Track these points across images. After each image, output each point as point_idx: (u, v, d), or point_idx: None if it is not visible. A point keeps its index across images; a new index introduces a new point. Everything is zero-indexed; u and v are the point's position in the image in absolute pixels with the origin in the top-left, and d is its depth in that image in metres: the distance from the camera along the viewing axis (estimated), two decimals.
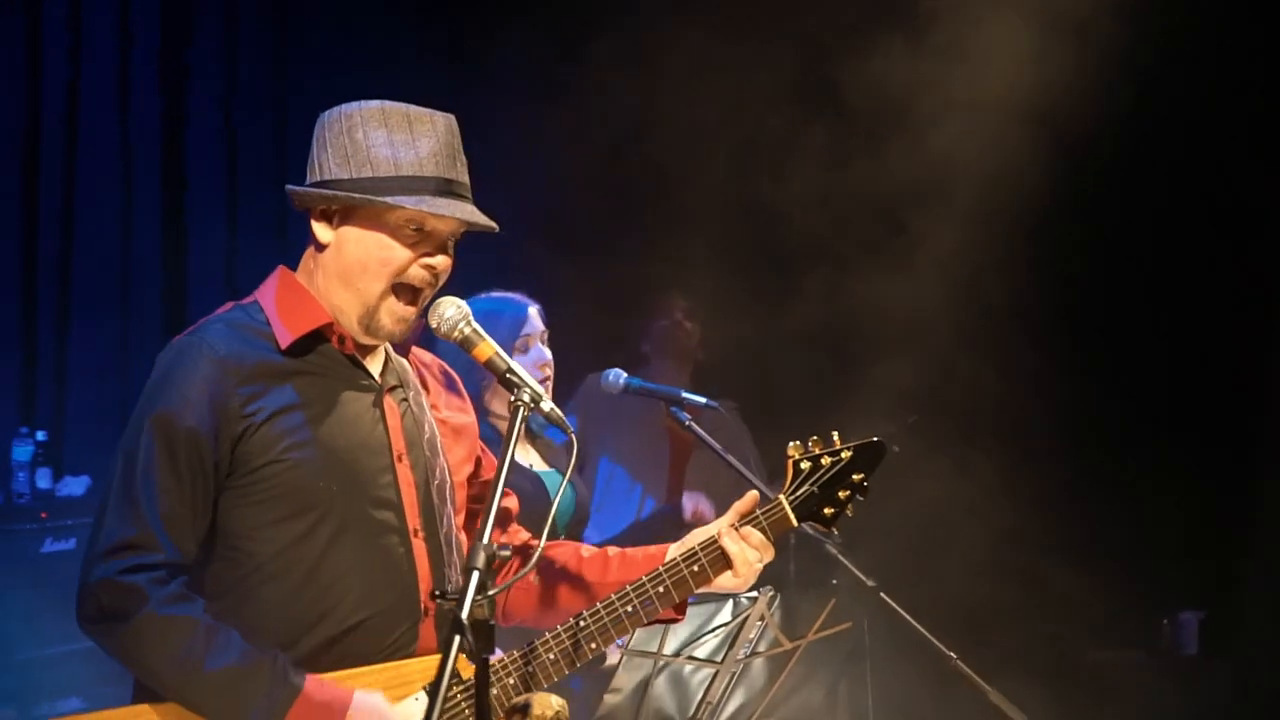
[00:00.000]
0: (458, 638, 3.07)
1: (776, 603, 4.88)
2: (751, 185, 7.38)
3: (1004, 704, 5.09)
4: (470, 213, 3.61)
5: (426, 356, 3.90)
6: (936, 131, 6.76)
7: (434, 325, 3.60)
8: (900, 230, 7.04)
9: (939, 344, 6.89)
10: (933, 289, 6.87)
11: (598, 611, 3.69)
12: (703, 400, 5.60)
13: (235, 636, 3.47)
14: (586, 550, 3.96)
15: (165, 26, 7.67)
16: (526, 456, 5.72)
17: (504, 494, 3.87)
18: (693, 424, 5.51)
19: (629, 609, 3.70)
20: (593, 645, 3.68)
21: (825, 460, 3.78)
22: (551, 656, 3.65)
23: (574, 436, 3.50)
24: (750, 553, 3.76)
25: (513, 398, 3.48)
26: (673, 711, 4.94)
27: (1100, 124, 7.16)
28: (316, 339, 3.64)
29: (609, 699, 4.81)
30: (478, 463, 3.95)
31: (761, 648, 4.95)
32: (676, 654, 4.80)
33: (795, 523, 3.77)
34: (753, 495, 3.82)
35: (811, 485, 3.77)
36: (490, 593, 3.15)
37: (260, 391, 3.54)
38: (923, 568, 6.63)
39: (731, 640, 4.86)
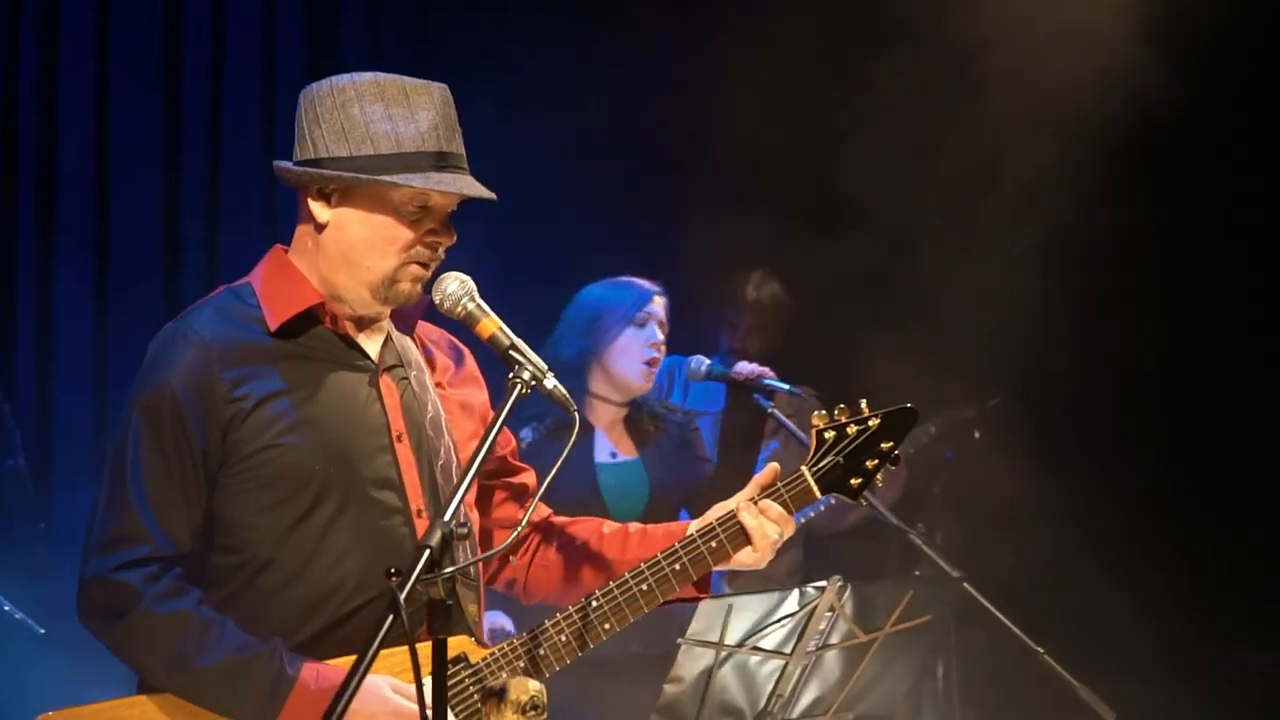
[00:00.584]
0: (390, 617, 3.01)
1: (847, 593, 4.73)
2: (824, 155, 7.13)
3: (1092, 700, 4.91)
4: (472, 186, 3.51)
5: (434, 332, 3.81)
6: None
7: (437, 300, 3.51)
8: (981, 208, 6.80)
9: (1025, 325, 6.64)
10: (1023, 273, 6.65)
11: (610, 590, 3.60)
12: (786, 386, 5.45)
13: (230, 629, 3.41)
14: (609, 527, 3.86)
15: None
16: (610, 444, 5.67)
17: (522, 470, 3.80)
18: (775, 410, 5.41)
19: (644, 587, 3.60)
20: (606, 626, 3.59)
21: (851, 429, 3.67)
22: (563, 639, 3.57)
23: (577, 416, 3.39)
24: (769, 526, 3.65)
25: (510, 374, 3.39)
26: (741, 703, 4.79)
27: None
28: (307, 320, 3.55)
29: (669, 689, 4.67)
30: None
31: (834, 639, 4.79)
32: (740, 644, 4.65)
33: (819, 494, 3.67)
34: (773, 468, 3.71)
35: (836, 455, 3.66)
36: (445, 571, 3.06)
37: (248, 376, 3.47)
38: (1012, 558, 6.44)
39: (800, 631, 4.70)
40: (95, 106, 6.88)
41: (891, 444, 3.66)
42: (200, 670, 3.38)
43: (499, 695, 3.40)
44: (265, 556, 3.47)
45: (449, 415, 3.67)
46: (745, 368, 5.76)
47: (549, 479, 3.39)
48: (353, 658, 3.38)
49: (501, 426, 3.33)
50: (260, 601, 3.46)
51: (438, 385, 3.72)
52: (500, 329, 3.44)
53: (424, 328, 3.79)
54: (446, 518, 3.13)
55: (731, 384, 5.71)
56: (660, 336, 5.75)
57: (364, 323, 3.62)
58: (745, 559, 3.67)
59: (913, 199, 6.79)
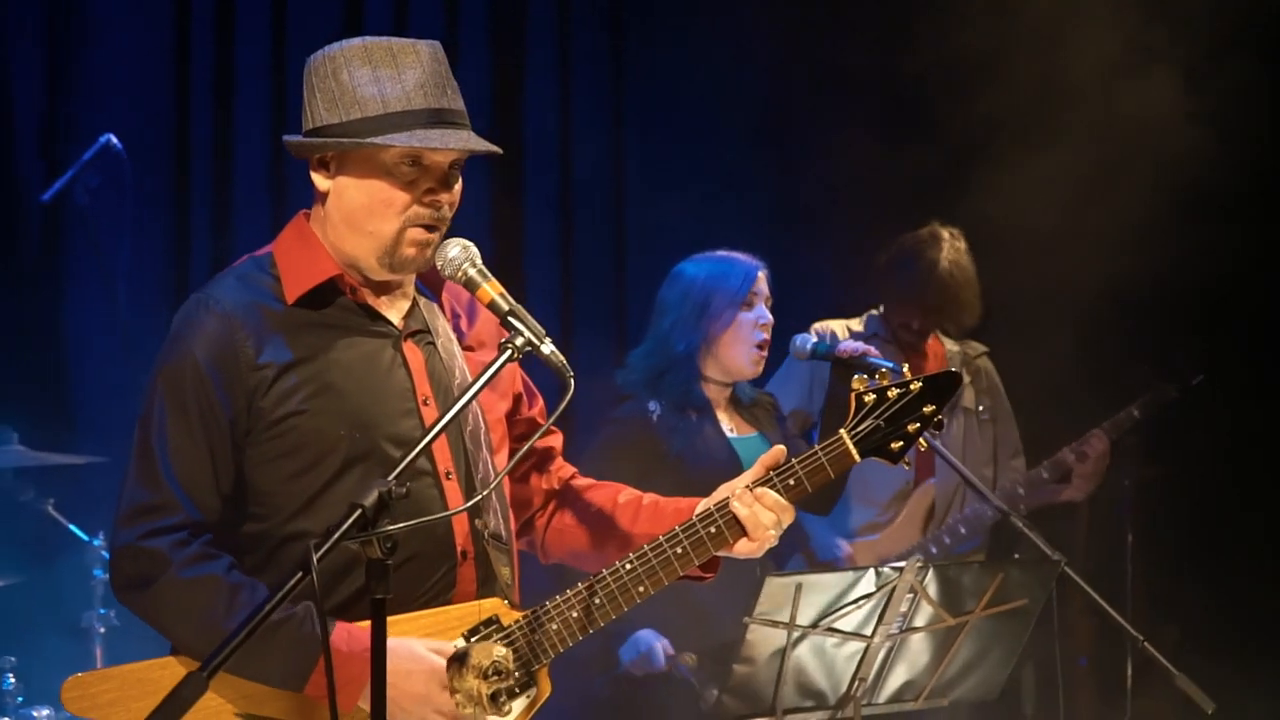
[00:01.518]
0: (299, 574, 3.02)
1: (929, 574, 4.61)
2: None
3: (1192, 690, 4.73)
4: (464, 140, 3.45)
5: (464, 294, 3.72)
6: None
7: (439, 265, 3.47)
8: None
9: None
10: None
11: (604, 578, 3.54)
12: (890, 364, 5.30)
13: (261, 591, 3.39)
14: (624, 495, 3.81)
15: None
16: (726, 422, 5.62)
17: (551, 432, 3.76)
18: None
19: (646, 568, 3.53)
20: (605, 611, 3.53)
21: (892, 393, 3.57)
22: (554, 626, 3.52)
23: (572, 382, 3.31)
24: (764, 515, 3.54)
25: (504, 339, 3.34)
26: (822, 686, 4.69)
27: None
28: (328, 290, 3.53)
29: (739, 669, 4.59)
30: (518, 399, 3.81)
31: (918, 622, 4.67)
32: (813, 625, 4.55)
33: (857, 458, 3.55)
34: (779, 450, 3.60)
35: (876, 419, 3.55)
36: (378, 531, 3.03)
37: (271, 344, 3.45)
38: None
39: (880, 613, 4.59)
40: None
41: (934, 407, 3.55)
42: (227, 633, 3.32)
43: (460, 660, 3.37)
44: (294, 523, 3.45)
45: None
46: (849, 345, 5.61)
47: (549, 423, 3.42)
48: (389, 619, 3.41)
49: (482, 387, 3.30)
50: (292, 568, 3.42)
51: (466, 349, 3.68)
52: (500, 294, 3.40)
53: (453, 290, 3.74)
54: (391, 478, 3.11)
55: (836, 363, 5.56)
56: (768, 315, 5.65)
57: (386, 289, 3.59)
58: (742, 549, 3.59)
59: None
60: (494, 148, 3.48)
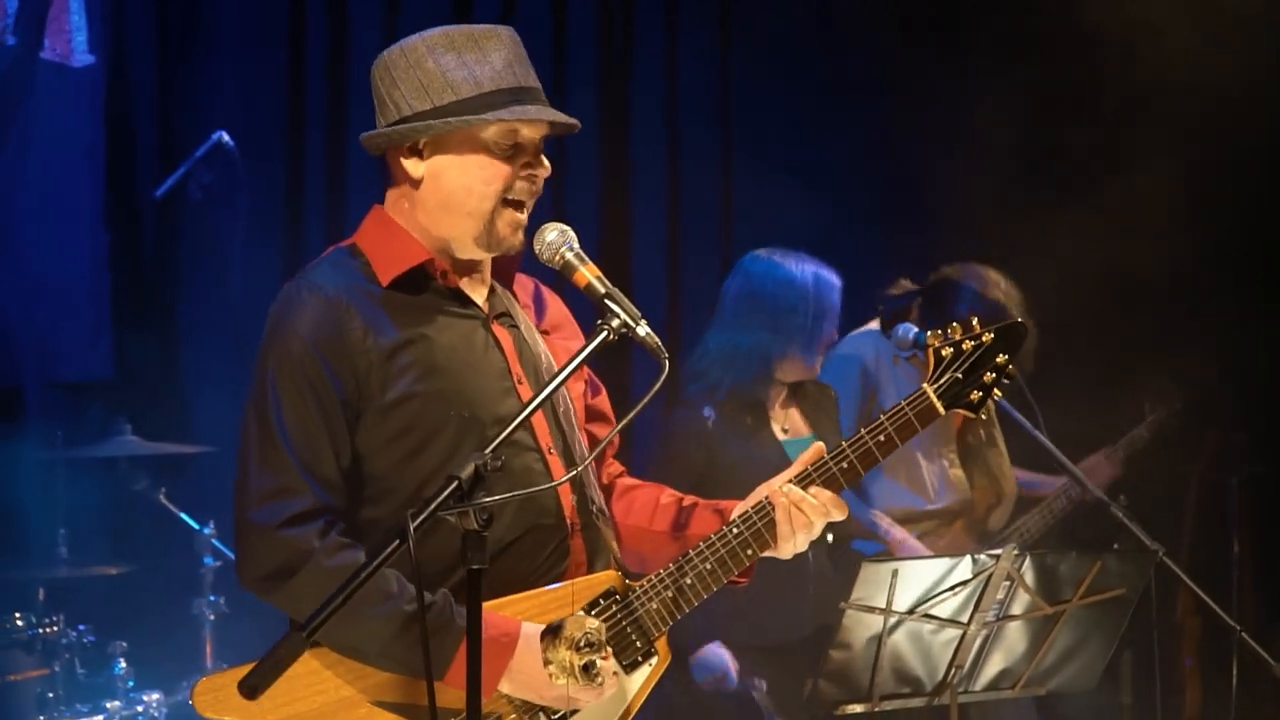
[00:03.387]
0: (395, 541, 3.06)
1: (1025, 562, 4.61)
2: None
3: None
4: (556, 114, 3.53)
5: (529, 282, 3.80)
6: None
7: (536, 250, 3.51)
8: None
9: None
10: None
11: (647, 590, 3.58)
12: None
13: (400, 581, 3.43)
14: (666, 497, 3.83)
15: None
16: (781, 424, 5.61)
17: (609, 426, 3.82)
18: None
19: (688, 581, 3.57)
20: (716, 575, 3.58)
21: (967, 345, 3.60)
22: (670, 594, 3.56)
23: (668, 363, 3.35)
24: (813, 512, 3.57)
25: (600, 320, 3.38)
26: (919, 672, 4.72)
27: None
28: (418, 275, 3.58)
29: (836, 654, 4.62)
30: (590, 384, 3.86)
31: (1016, 610, 4.68)
32: (910, 611, 4.57)
33: (943, 410, 3.58)
34: (818, 447, 3.63)
35: (955, 371, 3.59)
36: (475, 503, 3.07)
37: (374, 327, 3.49)
38: None
39: (976, 600, 4.60)
40: None
41: (1006, 358, 3.60)
42: (371, 623, 3.40)
43: (554, 631, 3.40)
44: (414, 504, 3.42)
45: (558, 362, 3.67)
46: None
47: (647, 399, 3.33)
48: (509, 598, 3.48)
49: (580, 364, 3.35)
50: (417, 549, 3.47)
51: (543, 333, 3.74)
52: (597, 278, 3.44)
53: (520, 282, 3.80)
54: (488, 450, 3.14)
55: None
56: (835, 328, 5.69)
57: (470, 273, 3.64)
58: (785, 550, 3.62)
59: None
60: (576, 122, 3.57)
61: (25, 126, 6.63)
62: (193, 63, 6.72)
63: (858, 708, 4.72)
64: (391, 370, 3.48)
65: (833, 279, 5.64)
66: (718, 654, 5.50)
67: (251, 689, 3.03)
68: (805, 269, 5.59)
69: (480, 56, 3.50)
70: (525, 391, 3.57)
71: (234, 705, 3.40)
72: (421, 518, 3.05)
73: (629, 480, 3.91)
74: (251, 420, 3.49)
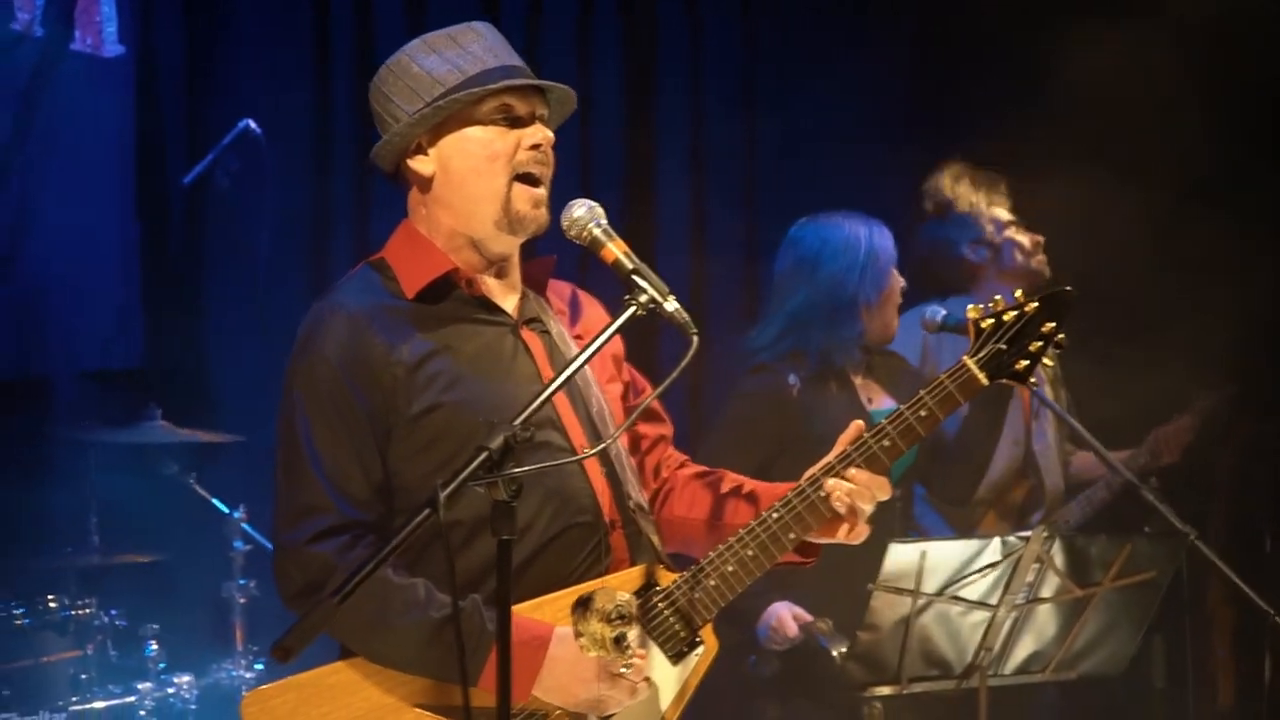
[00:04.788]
0: (428, 509, 3.06)
1: (1055, 544, 4.60)
2: None
3: None
4: (541, 80, 3.62)
5: (565, 288, 3.84)
6: None
7: (565, 226, 3.50)
8: None
9: None
10: None
11: (753, 528, 3.55)
12: None
13: (428, 590, 3.44)
14: (728, 484, 3.82)
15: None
16: (863, 393, 5.53)
17: (661, 420, 3.85)
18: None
19: (729, 568, 3.55)
20: (759, 561, 3.55)
21: (1009, 316, 3.57)
22: (712, 582, 3.54)
23: (696, 339, 3.34)
24: (863, 495, 3.54)
25: (627, 296, 3.37)
26: (948, 655, 4.71)
27: None
28: (444, 286, 3.61)
29: (864, 635, 4.62)
30: (626, 388, 3.86)
31: (1045, 593, 4.67)
32: (939, 593, 4.56)
33: (986, 381, 3.55)
34: (857, 425, 3.59)
35: (997, 342, 3.55)
36: (506, 473, 3.08)
37: (399, 341, 3.52)
38: None
39: (1005, 583, 4.59)
40: None
41: (1054, 326, 3.56)
42: (401, 632, 3.42)
43: (585, 604, 3.39)
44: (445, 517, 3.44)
45: (592, 366, 3.68)
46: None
47: (675, 375, 3.31)
48: (542, 599, 3.48)
49: (606, 340, 3.35)
50: (444, 560, 3.39)
51: (578, 338, 3.74)
52: (625, 253, 3.44)
53: (555, 288, 3.82)
54: (516, 422, 3.14)
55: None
56: (902, 282, 5.56)
57: (500, 275, 3.66)
58: (841, 535, 3.59)
59: None
60: (570, 88, 3.64)
61: (55, 116, 6.67)
62: (221, 48, 6.75)
63: (886, 690, 4.72)
64: (417, 383, 3.51)
65: (881, 227, 5.54)
66: (775, 606, 5.28)
67: (285, 650, 3.05)
68: (853, 226, 5.50)
69: (460, 50, 3.59)
70: (558, 394, 3.55)
71: (283, 716, 3.47)
72: (451, 487, 3.05)
73: (693, 469, 3.90)
74: (281, 443, 3.55)
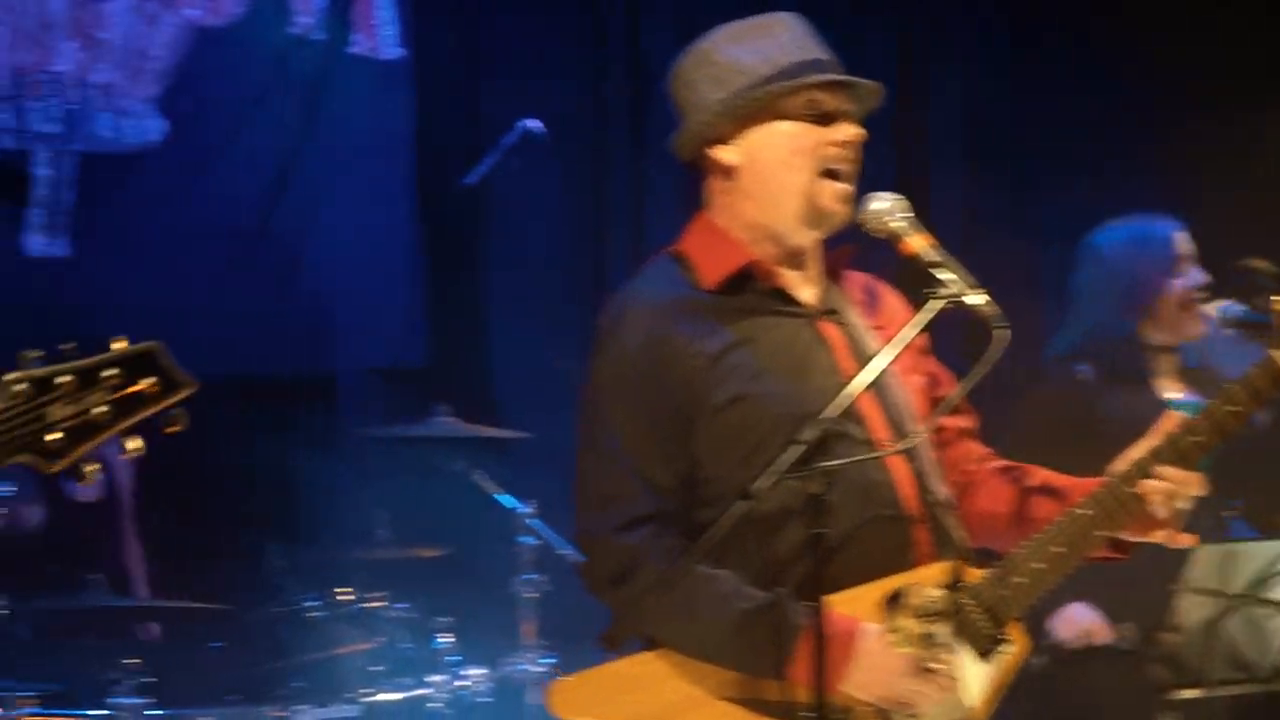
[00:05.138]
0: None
1: None
2: None
3: None
4: (853, 78, 3.53)
5: (860, 278, 3.77)
6: None
7: (861, 220, 3.47)
8: None
9: None
10: None
11: (996, 576, 3.45)
12: None
13: (733, 582, 3.43)
14: (1034, 478, 3.69)
15: None
16: (1161, 389, 5.43)
17: (966, 412, 3.77)
18: None
19: (1037, 564, 3.45)
20: (1067, 558, 3.44)
21: None
22: (1017, 579, 3.44)
23: (1002, 332, 3.27)
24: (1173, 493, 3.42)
25: (928, 289, 3.33)
26: (1254, 659, 4.61)
27: None
28: (743, 278, 3.58)
29: (1168, 638, 4.54)
30: (932, 378, 3.76)
31: None
32: (1246, 595, 4.47)
33: None
34: (1172, 417, 3.46)
35: None
36: (821, 465, 3.09)
37: (700, 332, 3.50)
38: None
39: None
40: None
41: None
42: (708, 624, 3.41)
43: (896, 599, 3.37)
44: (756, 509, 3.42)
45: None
46: None
47: (966, 386, 3.31)
48: (847, 593, 3.41)
49: (914, 335, 3.32)
50: (750, 552, 3.44)
51: (878, 328, 3.68)
52: (928, 245, 3.40)
53: (855, 279, 3.77)
54: (829, 415, 3.14)
55: (1249, 328, 5.32)
56: (1200, 276, 5.41)
57: (797, 267, 3.62)
58: (1158, 537, 3.47)
59: None
60: (878, 84, 3.56)
61: (335, 119, 6.84)
62: (500, 49, 6.87)
63: (1191, 693, 4.64)
64: (719, 374, 3.49)
65: (1159, 230, 5.43)
66: (1080, 609, 5.14)
67: (610, 640, 3.14)
68: (1155, 227, 5.40)
69: (768, 39, 3.53)
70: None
71: (589, 706, 3.48)
72: (769, 480, 3.07)
73: (998, 463, 3.80)
74: (584, 434, 3.55)
